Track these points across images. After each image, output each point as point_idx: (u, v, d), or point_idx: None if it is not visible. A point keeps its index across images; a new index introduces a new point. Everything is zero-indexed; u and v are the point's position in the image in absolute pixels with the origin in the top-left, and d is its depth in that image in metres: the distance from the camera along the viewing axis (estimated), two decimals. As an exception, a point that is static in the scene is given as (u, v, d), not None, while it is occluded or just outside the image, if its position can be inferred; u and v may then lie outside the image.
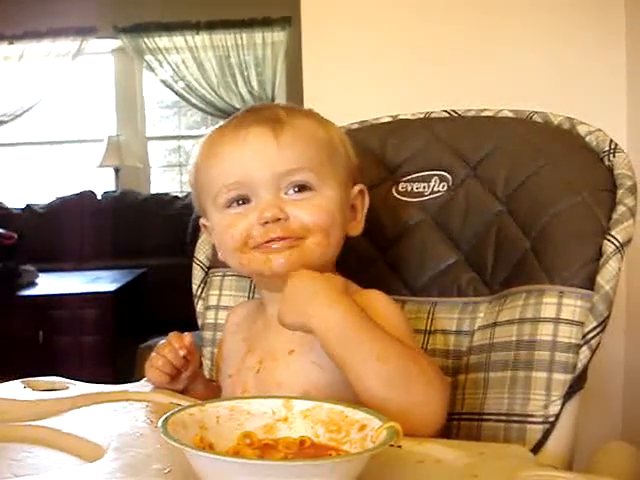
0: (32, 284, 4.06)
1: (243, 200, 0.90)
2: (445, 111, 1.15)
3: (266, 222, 0.88)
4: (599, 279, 0.89)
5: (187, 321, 1.21)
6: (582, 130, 1.02)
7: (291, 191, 0.89)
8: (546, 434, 0.89)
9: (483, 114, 1.12)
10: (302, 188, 0.89)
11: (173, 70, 5.56)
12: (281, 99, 5.41)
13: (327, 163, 0.91)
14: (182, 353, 0.95)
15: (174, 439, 0.60)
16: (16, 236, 4.05)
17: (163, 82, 5.58)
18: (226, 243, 0.92)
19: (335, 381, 0.83)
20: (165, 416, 0.64)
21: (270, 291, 0.94)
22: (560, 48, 1.72)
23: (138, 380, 0.99)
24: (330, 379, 0.85)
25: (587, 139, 1.00)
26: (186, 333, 0.97)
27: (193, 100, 5.57)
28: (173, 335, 0.97)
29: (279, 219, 0.87)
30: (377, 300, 0.90)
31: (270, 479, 0.57)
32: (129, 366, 3.04)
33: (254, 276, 1.00)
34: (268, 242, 0.88)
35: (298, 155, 0.89)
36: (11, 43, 5.49)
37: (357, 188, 0.96)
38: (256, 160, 0.89)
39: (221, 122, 0.97)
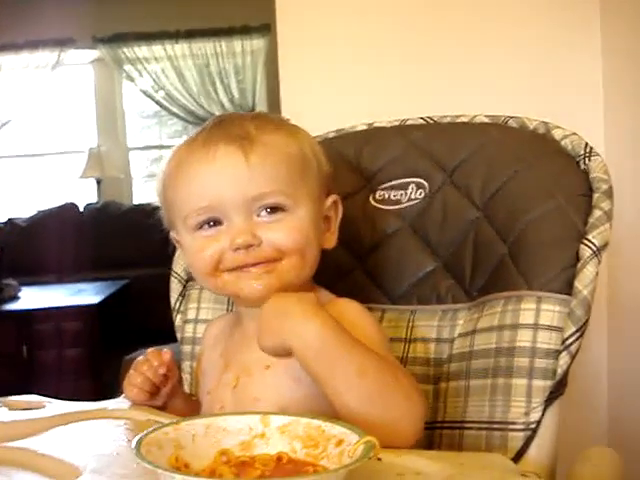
0: (14, 298, 4.03)
1: (214, 222, 0.88)
2: (421, 118, 1.14)
3: (238, 248, 0.86)
4: (577, 284, 0.89)
5: (171, 332, 1.19)
6: (557, 134, 1.02)
7: (263, 212, 0.87)
8: (528, 441, 0.89)
9: (459, 120, 1.12)
10: (274, 209, 0.87)
11: (153, 80, 5.54)
12: (262, 106, 5.41)
13: (299, 180, 0.89)
14: (161, 371, 0.94)
15: (147, 461, 0.59)
16: (-3, 251, 4.02)
17: (143, 92, 5.57)
18: (197, 267, 0.91)
19: (312, 395, 0.82)
20: (139, 437, 0.63)
21: (246, 306, 0.94)
22: (535, 50, 1.72)
23: (122, 393, 0.98)
24: (307, 393, 0.84)
25: (562, 143, 1.00)
26: (165, 349, 0.96)
27: (174, 109, 5.56)
28: (151, 352, 0.95)
29: (251, 245, 0.86)
30: (350, 309, 0.89)
31: (245, 499, 0.56)
32: (114, 378, 3.01)
33: (229, 296, 0.99)
34: (241, 267, 0.87)
35: (269, 177, 0.87)
36: (-12, 56, 5.46)
37: (330, 199, 0.94)
38: (226, 183, 0.86)
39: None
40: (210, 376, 0.97)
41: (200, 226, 0.89)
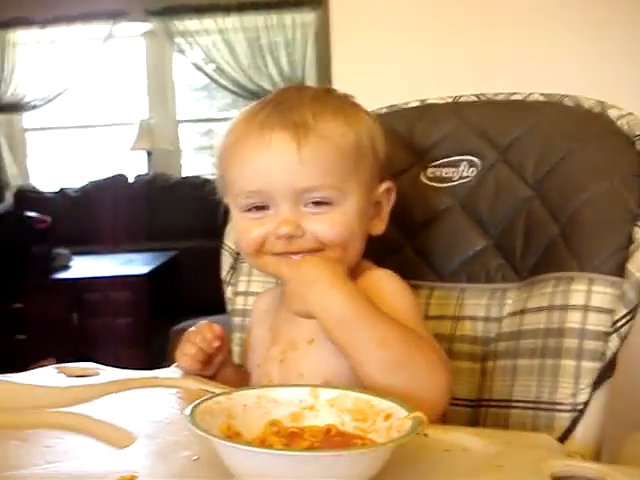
0: (66, 267, 4.11)
1: (262, 206, 0.90)
2: (474, 95, 1.13)
3: (281, 236, 0.88)
4: (629, 266, 0.88)
5: (219, 303, 1.21)
6: (613, 114, 1.00)
7: (310, 204, 0.88)
8: (574, 422, 0.89)
9: (513, 98, 1.11)
10: (322, 203, 0.88)
11: (204, 52, 5.56)
12: (311, 80, 5.39)
13: (351, 172, 0.89)
14: (215, 344, 0.96)
15: (201, 428, 0.61)
16: (49, 220, 4.10)
17: (194, 65, 5.59)
18: (242, 246, 0.94)
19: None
20: (193, 405, 0.65)
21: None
22: (592, 28, 1.69)
23: (171, 362, 1.00)
24: (349, 367, 0.84)
25: (618, 123, 0.99)
26: (216, 324, 0.98)
27: (224, 82, 5.57)
28: (204, 324, 0.97)
29: (294, 236, 0.87)
30: (384, 280, 0.91)
31: (295, 469, 0.58)
32: (162, 348, 3.07)
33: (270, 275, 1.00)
34: (282, 253, 0.89)
35: (320, 171, 0.87)
36: (43, 28, 5.52)
37: (384, 186, 0.94)
38: (276, 171, 0.87)
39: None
40: (258, 350, 0.99)
41: (248, 208, 0.91)
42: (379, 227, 0.96)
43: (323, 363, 0.89)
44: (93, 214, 4.98)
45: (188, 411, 0.64)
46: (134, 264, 4.16)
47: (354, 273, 0.91)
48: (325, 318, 0.81)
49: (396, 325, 0.81)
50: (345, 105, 0.94)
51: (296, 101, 0.91)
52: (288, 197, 0.88)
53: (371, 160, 0.92)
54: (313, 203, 0.88)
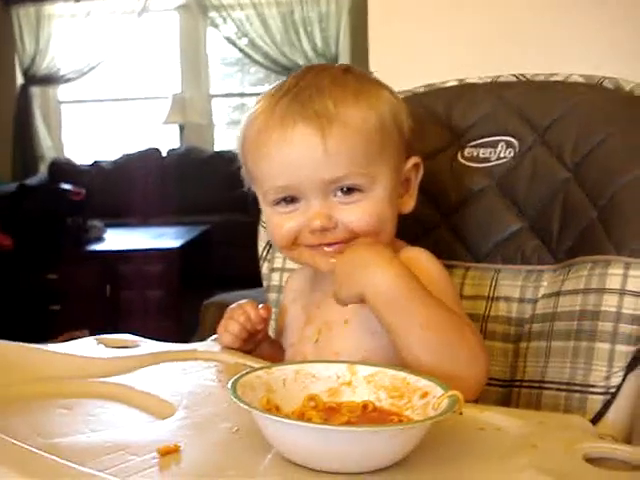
0: (99, 239, 4.17)
1: (291, 199, 0.90)
2: (513, 75, 1.13)
3: (314, 230, 0.89)
4: (667, 251, 0.88)
5: (250, 277, 1.23)
6: (654, 97, 0.99)
7: (339, 193, 0.88)
8: (607, 405, 0.89)
9: (552, 79, 1.10)
10: (351, 190, 0.88)
11: (237, 27, 5.56)
12: (344, 56, 5.37)
13: (378, 155, 0.89)
14: (260, 327, 0.98)
15: (243, 401, 0.62)
16: (84, 192, 4.15)
17: (227, 39, 5.59)
18: (275, 240, 0.95)
19: (391, 348, 0.84)
20: (234, 378, 0.67)
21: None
22: (634, 10, 1.67)
23: (202, 334, 1.02)
24: (386, 346, 0.86)
25: (659, 106, 0.98)
26: (262, 305, 0.99)
27: (257, 57, 5.57)
28: (249, 304, 0.99)
29: (327, 229, 0.88)
30: (422, 258, 0.92)
31: (334, 443, 0.59)
32: (193, 321, 3.11)
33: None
34: (317, 245, 0.90)
35: (346, 160, 0.87)
36: (77, 1, 5.56)
37: (411, 162, 0.94)
38: (303, 165, 0.87)
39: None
40: (292, 329, 1.00)
41: (278, 202, 0.92)
42: (409, 204, 0.96)
43: (358, 343, 0.90)
44: (126, 187, 5.03)
45: (230, 384, 0.65)
46: (166, 237, 4.20)
47: None
48: (374, 298, 0.81)
49: (442, 307, 0.82)
50: (366, 85, 0.93)
51: (315, 88, 0.89)
52: (317, 189, 0.88)
53: (396, 138, 0.92)
54: (343, 192, 0.88)
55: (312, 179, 0.87)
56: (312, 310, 0.98)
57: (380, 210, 0.90)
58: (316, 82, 0.90)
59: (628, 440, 0.89)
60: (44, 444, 0.67)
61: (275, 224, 0.93)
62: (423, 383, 0.69)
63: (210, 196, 5.08)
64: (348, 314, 0.91)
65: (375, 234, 0.90)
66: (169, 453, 0.64)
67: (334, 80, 0.91)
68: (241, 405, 0.62)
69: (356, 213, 0.88)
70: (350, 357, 0.88)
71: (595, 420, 0.89)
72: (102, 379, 0.86)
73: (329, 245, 0.90)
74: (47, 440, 0.69)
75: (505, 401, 1.00)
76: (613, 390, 0.89)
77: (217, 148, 5.82)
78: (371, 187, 0.89)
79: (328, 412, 0.69)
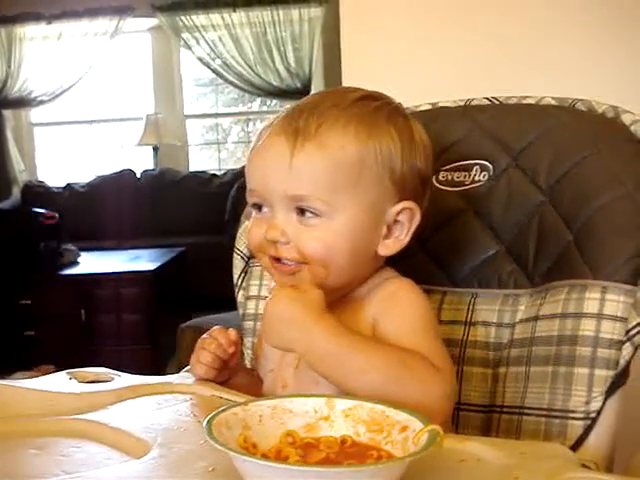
0: (74, 263, 4.13)
1: (260, 206, 0.91)
2: (486, 98, 1.13)
3: (268, 240, 0.88)
4: (643, 274, 0.88)
5: (227, 299, 1.22)
6: (627, 119, 0.99)
7: (300, 213, 0.87)
8: (587, 430, 0.89)
9: (525, 101, 1.10)
10: (310, 212, 0.87)
11: (210, 48, 5.57)
12: (318, 76, 5.39)
13: (347, 187, 0.86)
14: (231, 350, 0.96)
15: (219, 442, 0.61)
16: (57, 216, 4.12)
17: (200, 60, 5.60)
18: (248, 243, 0.98)
19: None
20: (209, 417, 0.65)
21: None
22: (602, 31, 1.68)
23: (179, 358, 1.01)
24: None
25: (632, 128, 0.98)
26: (231, 329, 0.98)
27: (230, 77, 5.58)
28: (218, 331, 0.97)
29: (277, 242, 0.88)
30: (403, 290, 0.91)
31: (313, 483, 0.58)
32: (170, 344, 3.08)
33: None
34: (273, 257, 0.90)
35: (308, 182, 0.85)
36: (49, 23, 5.54)
37: (400, 205, 0.90)
38: (269, 175, 0.87)
39: (268, 111, 0.97)
40: (272, 355, 0.98)
41: (252, 206, 0.93)
42: (391, 248, 0.91)
43: None
44: (100, 209, 4.99)
45: (205, 423, 0.64)
46: (141, 260, 4.18)
47: (373, 282, 0.92)
48: (306, 355, 0.82)
49: (379, 349, 0.82)
50: (370, 115, 0.89)
51: (313, 107, 0.89)
52: (280, 202, 0.87)
53: (379, 178, 0.88)
54: (302, 212, 0.87)
55: (276, 190, 0.87)
56: None
57: (333, 242, 0.87)
58: (319, 103, 0.90)
59: (610, 466, 0.89)
60: (14, 489, 0.65)
61: (249, 227, 0.94)
62: (402, 417, 0.68)
63: (185, 217, 5.06)
64: None
65: (323, 265, 0.87)
66: (143, 496, 0.63)
67: (339, 103, 0.89)
68: (216, 446, 0.60)
69: (307, 238, 0.87)
70: (330, 386, 0.86)
71: (576, 446, 0.89)
72: (75, 416, 0.84)
73: (279, 261, 0.89)
74: (17, 484, 0.67)
75: (485, 427, 0.99)
76: (593, 415, 0.89)
77: (192, 169, 5.80)
78: (331, 216, 0.87)
79: (306, 448, 0.68)
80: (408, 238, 0.92)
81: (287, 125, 0.88)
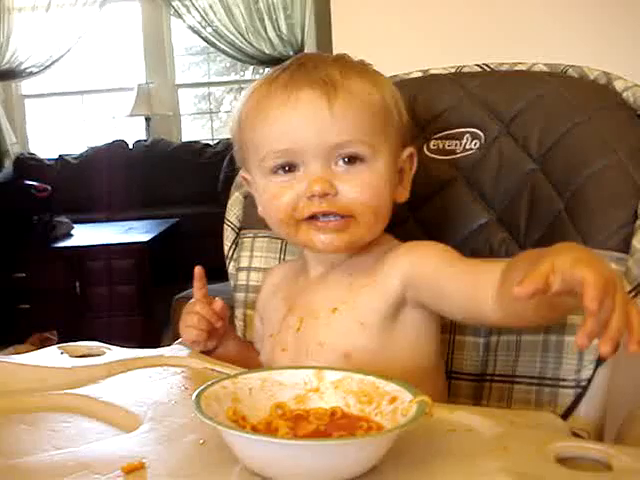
0: (67, 236, 4.11)
1: (290, 167, 0.88)
2: (478, 65, 1.12)
3: (313, 195, 0.86)
4: (634, 242, 0.88)
5: (221, 270, 1.21)
6: (619, 85, 0.99)
7: (341, 162, 0.86)
8: (578, 398, 0.89)
9: (516, 68, 1.09)
10: (353, 160, 0.87)
11: (201, 16, 5.49)
12: (311, 44, 5.33)
13: (381, 130, 0.88)
14: (216, 307, 0.97)
15: (207, 415, 0.61)
16: (50, 188, 4.09)
17: (191, 28, 5.53)
18: (271, 214, 0.92)
19: (377, 342, 0.83)
20: (198, 391, 0.65)
21: (314, 252, 0.94)
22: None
23: (175, 330, 1.01)
24: (374, 340, 0.85)
25: (624, 95, 0.97)
26: (216, 298, 0.98)
27: (222, 46, 5.51)
28: (201, 295, 0.99)
29: (327, 194, 0.85)
30: (414, 243, 0.91)
31: (302, 456, 0.58)
32: (165, 315, 3.08)
33: (299, 245, 0.97)
34: (314, 216, 0.87)
35: (352, 126, 0.86)
36: (38, -8, 5.46)
37: (407, 151, 0.93)
38: (307, 128, 0.86)
39: (268, 70, 0.94)
40: (272, 321, 0.97)
41: (275, 170, 0.89)
42: (403, 195, 0.94)
43: (345, 333, 0.88)
44: (93, 181, 4.96)
45: (193, 397, 0.64)
46: (134, 232, 4.15)
47: (382, 249, 0.91)
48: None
49: None
50: (366, 67, 0.93)
51: (319, 62, 0.89)
52: (319, 155, 0.86)
53: (397, 122, 0.91)
54: (344, 161, 0.86)
55: (316, 143, 0.85)
56: (294, 299, 0.95)
57: (380, 184, 0.88)
58: (319, 58, 0.91)
59: (600, 434, 0.89)
60: (5, 465, 0.65)
61: (272, 195, 0.89)
62: (392, 387, 0.68)
63: (178, 188, 5.03)
64: (337, 302, 0.89)
65: (373, 212, 0.87)
66: (133, 471, 0.63)
67: (337, 59, 0.92)
68: (204, 420, 0.60)
69: (358, 185, 0.86)
70: (335, 348, 0.87)
71: (567, 414, 0.89)
72: (66, 391, 0.84)
73: (325, 215, 0.86)
74: (8, 460, 0.67)
75: (477, 395, 0.99)
76: (584, 383, 0.89)
77: (184, 139, 5.76)
78: (374, 158, 0.87)
79: (296, 420, 0.68)
80: (410, 185, 0.95)
81: (309, 77, 0.87)
